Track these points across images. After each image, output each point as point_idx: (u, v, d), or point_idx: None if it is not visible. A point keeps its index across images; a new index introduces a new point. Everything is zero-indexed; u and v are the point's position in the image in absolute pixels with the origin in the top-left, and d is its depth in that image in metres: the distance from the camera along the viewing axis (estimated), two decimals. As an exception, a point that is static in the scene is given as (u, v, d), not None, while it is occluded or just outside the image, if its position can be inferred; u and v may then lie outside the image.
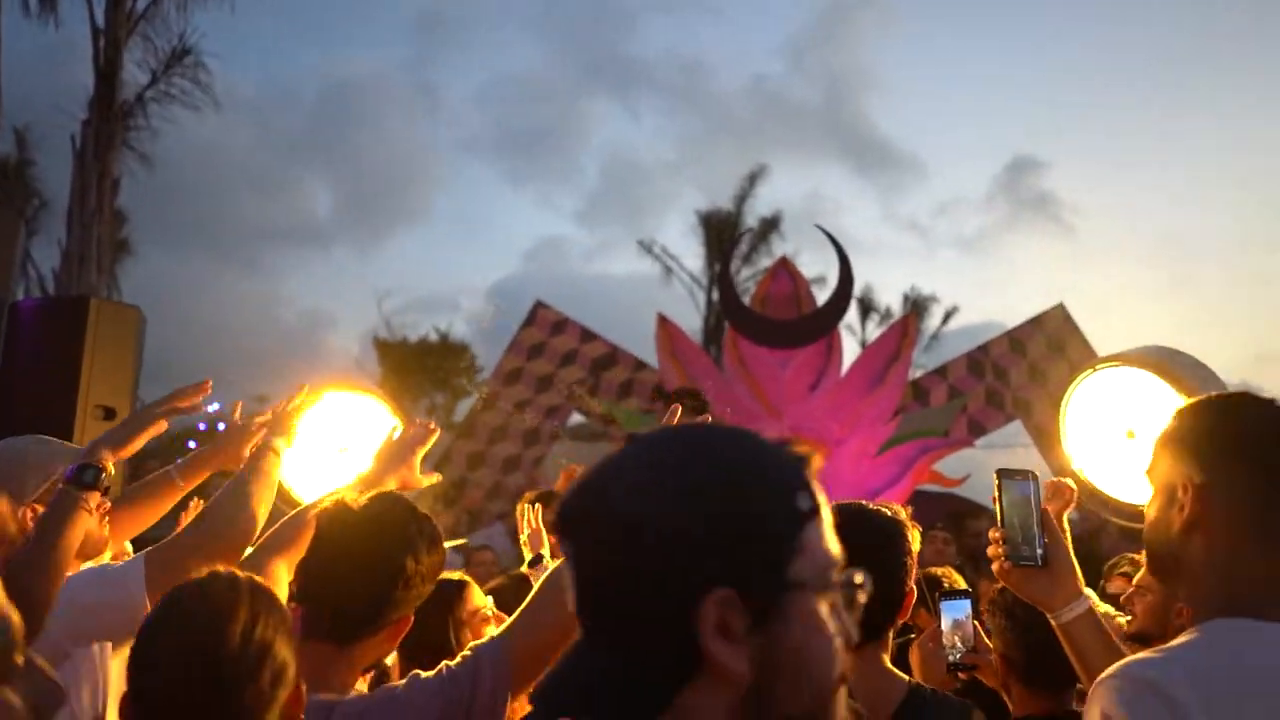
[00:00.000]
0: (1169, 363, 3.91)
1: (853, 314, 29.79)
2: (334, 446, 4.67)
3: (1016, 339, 7.68)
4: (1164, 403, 4.03)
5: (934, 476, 7.55)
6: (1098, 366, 4.28)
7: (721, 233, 36.43)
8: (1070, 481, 3.54)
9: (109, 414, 3.53)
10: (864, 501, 2.17)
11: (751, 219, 36.00)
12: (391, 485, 1.90)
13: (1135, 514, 4.41)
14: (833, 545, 0.74)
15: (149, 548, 1.96)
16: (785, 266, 8.04)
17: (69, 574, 1.74)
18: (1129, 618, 3.03)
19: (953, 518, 6.74)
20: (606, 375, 7.98)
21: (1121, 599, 3.20)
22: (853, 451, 7.45)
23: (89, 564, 1.93)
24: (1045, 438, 7.38)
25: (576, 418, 8.33)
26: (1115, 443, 4.31)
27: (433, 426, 2.03)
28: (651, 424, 7.72)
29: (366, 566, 1.58)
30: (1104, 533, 6.00)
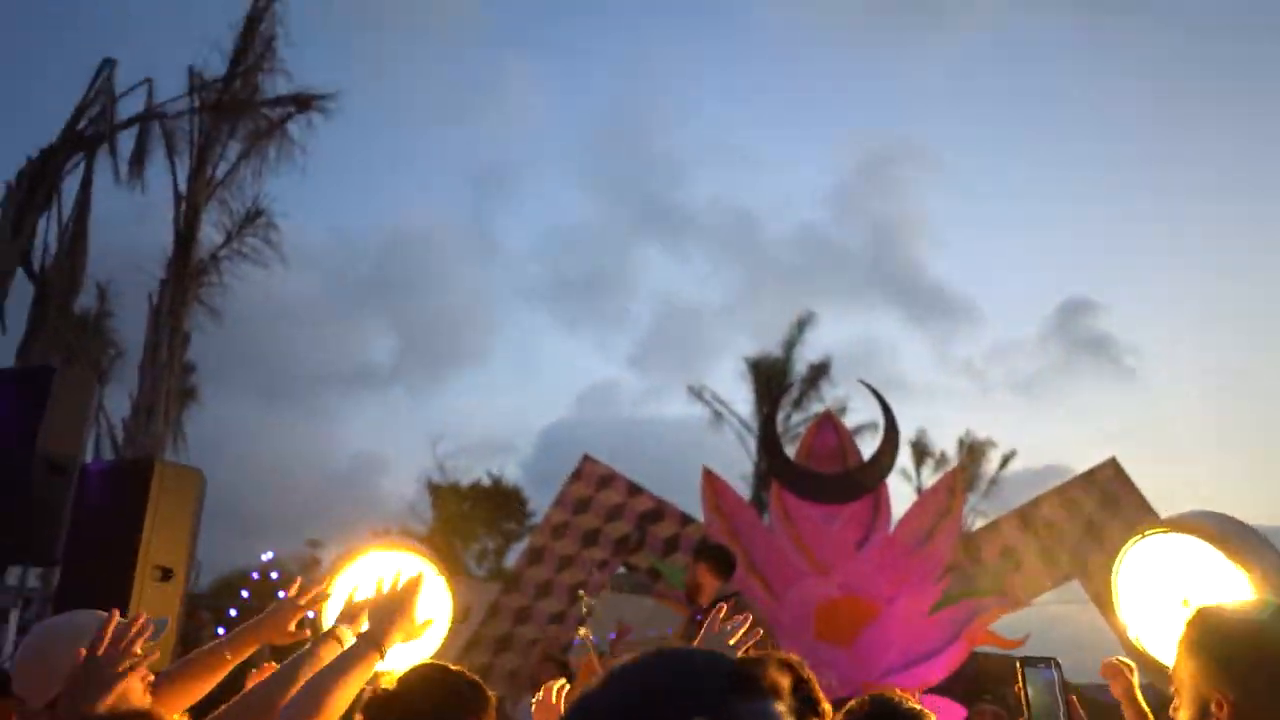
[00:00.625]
0: (1223, 532, 3.85)
1: (907, 458, 29.37)
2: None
3: (1068, 495, 7.56)
4: (1218, 573, 3.96)
5: (991, 638, 7.32)
6: (1147, 532, 4.22)
7: (771, 379, 36.65)
8: (1123, 658, 3.46)
9: (166, 574, 3.66)
10: (891, 693, 2.17)
11: (801, 365, 36.20)
12: (398, 640, 1.96)
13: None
14: None
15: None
16: (830, 419, 8.08)
17: None
18: None
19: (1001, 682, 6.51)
20: (653, 529, 7.98)
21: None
22: (903, 612, 7.29)
23: None
24: (1102, 598, 7.15)
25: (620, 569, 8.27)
26: (1170, 610, 4.20)
27: (420, 573, 2.09)
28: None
29: None
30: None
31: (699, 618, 5.03)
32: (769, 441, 7.92)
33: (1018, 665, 1.74)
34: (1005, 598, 7.33)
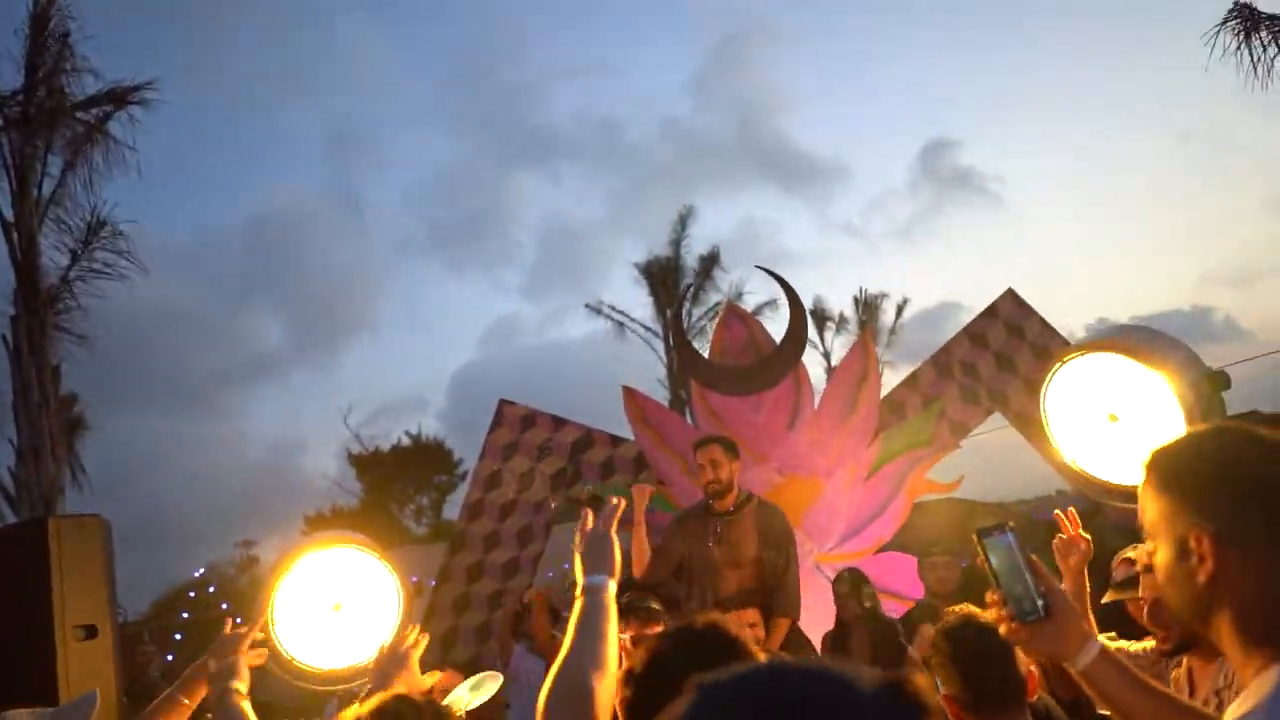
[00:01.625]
0: (1134, 342, 3.93)
1: (809, 327, 30.01)
2: (327, 605, 4.53)
3: (975, 333, 7.74)
4: (1137, 381, 4.04)
5: (929, 486, 7.53)
6: (1067, 358, 4.28)
7: (665, 278, 36.74)
8: (1080, 534, 3.46)
9: (90, 632, 3.41)
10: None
11: (691, 259, 36.35)
12: (400, 689, 1.85)
13: (1131, 495, 4.38)
14: None
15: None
16: (734, 311, 8.07)
17: None
18: (1144, 596, 3.00)
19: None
20: (585, 458, 7.91)
21: (1140, 571, 3.15)
22: (844, 482, 7.42)
23: None
24: (1026, 422, 7.42)
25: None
26: (1099, 428, 4.31)
27: (423, 632, 2.03)
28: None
29: None
30: (1100, 516, 6.01)
31: (731, 511, 5.04)
32: (680, 346, 7.87)
33: (975, 538, 1.70)
34: (935, 444, 7.52)
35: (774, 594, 4.89)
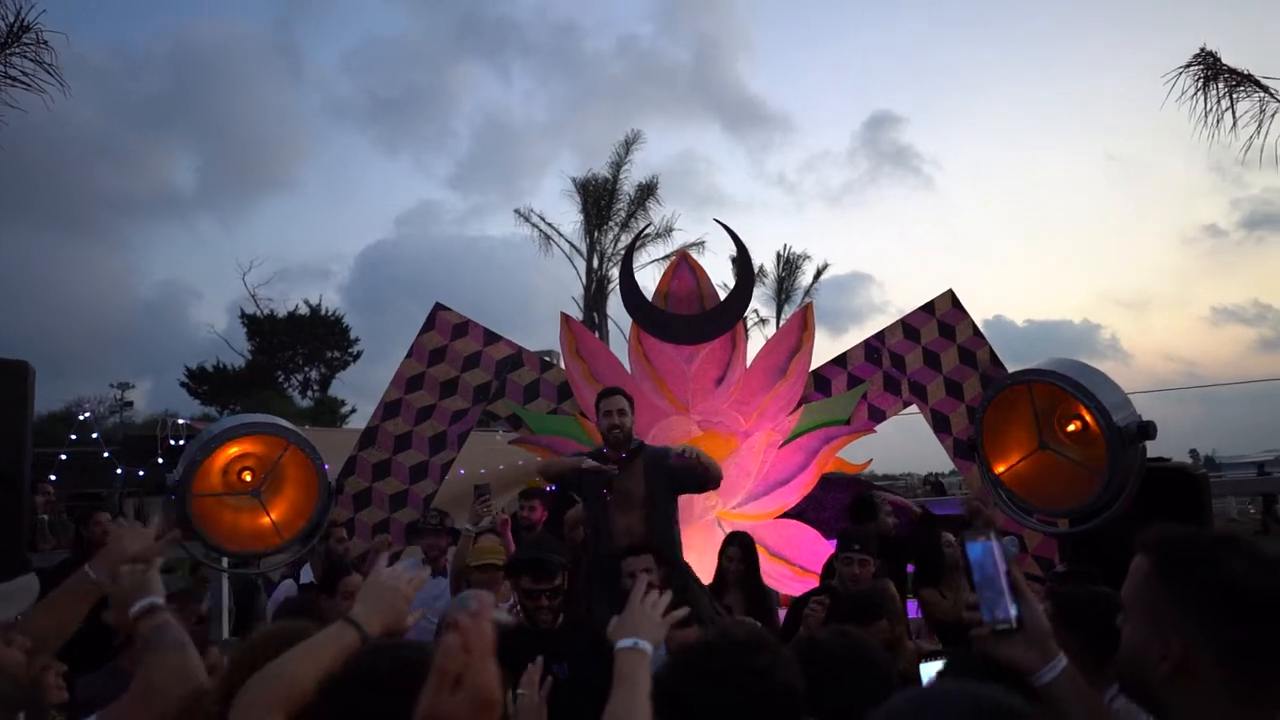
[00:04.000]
0: (1075, 378, 4.08)
1: (729, 274, 30.12)
2: (243, 488, 4.48)
3: (910, 325, 7.92)
4: (1074, 416, 4.20)
5: (838, 464, 7.76)
6: (1008, 384, 4.43)
7: (599, 198, 36.28)
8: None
9: (4, 482, 3.28)
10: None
11: (628, 185, 35.97)
12: (378, 628, 1.82)
13: (1051, 518, 4.62)
14: None
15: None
16: (686, 260, 8.06)
17: None
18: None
19: (859, 506, 6.95)
20: (512, 377, 7.89)
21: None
22: (759, 444, 7.59)
23: None
24: (940, 420, 7.67)
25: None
26: (1029, 451, 4.49)
27: (425, 574, 1.96)
28: (559, 425, 7.62)
29: None
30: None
31: (623, 459, 5.40)
32: (627, 287, 7.84)
33: (959, 541, 1.76)
34: (852, 425, 7.73)
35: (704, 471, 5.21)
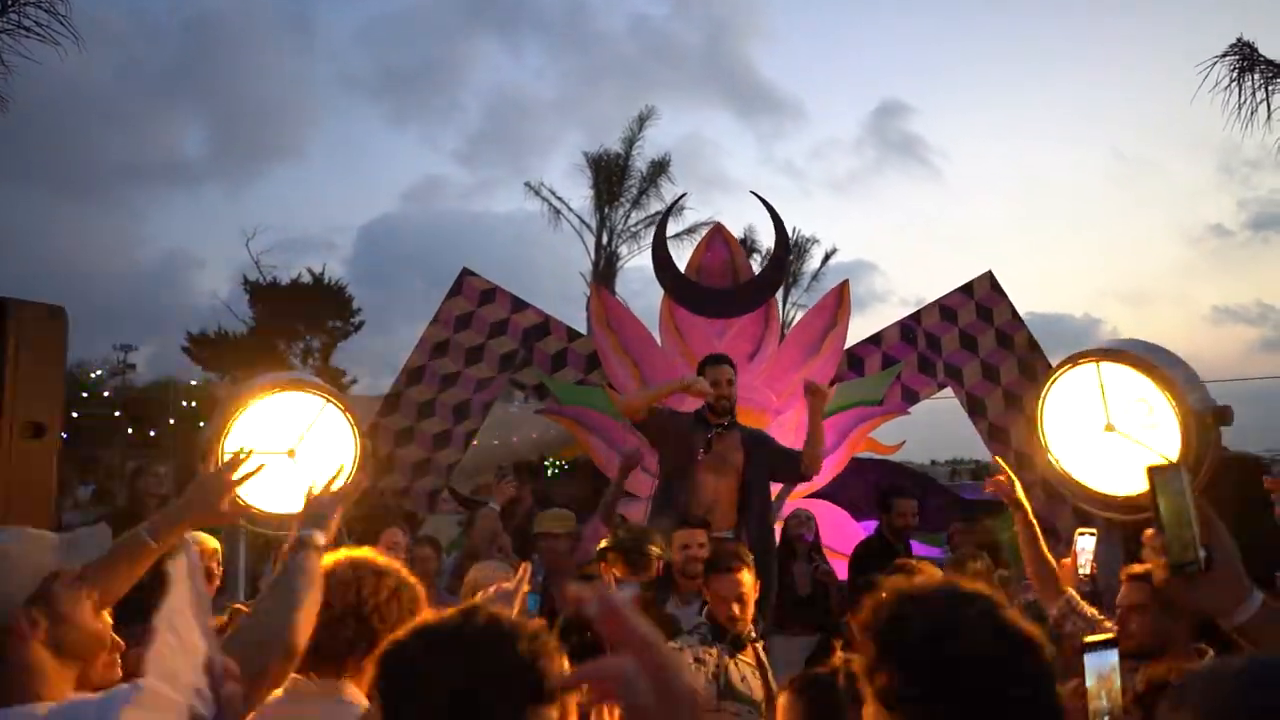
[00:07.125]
0: (1148, 358, 3.88)
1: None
2: (281, 450, 4.34)
3: (947, 307, 7.75)
4: (1143, 399, 3.99)
5: (870, 444, 7.61)
6: (1080, 361, 4.22)
7: (611, 174, 36.00)
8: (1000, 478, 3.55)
9: (38, 430, 3.14)
10: None
11: (641, 162, 35.69)
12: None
13: (1105, 503, 4.41)
14: None
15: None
16: (721, 233, 7.89)
17: None
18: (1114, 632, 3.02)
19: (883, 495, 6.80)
20: (539, 346, 7.74)
21: (1116, 615, 3.20)
22: (790, 422, 7.44)
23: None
24: (975, 403, 7.51)
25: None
26: (1092, 434, 4.29)
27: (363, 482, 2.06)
28: (587, 396, 7.48)
29: None
30: (1061, 514, 6.15)
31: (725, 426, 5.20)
32: (660, 257, 7.67)
33: (1146, 473, 1.58)
34: (885, 405, 7.57)
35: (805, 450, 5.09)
